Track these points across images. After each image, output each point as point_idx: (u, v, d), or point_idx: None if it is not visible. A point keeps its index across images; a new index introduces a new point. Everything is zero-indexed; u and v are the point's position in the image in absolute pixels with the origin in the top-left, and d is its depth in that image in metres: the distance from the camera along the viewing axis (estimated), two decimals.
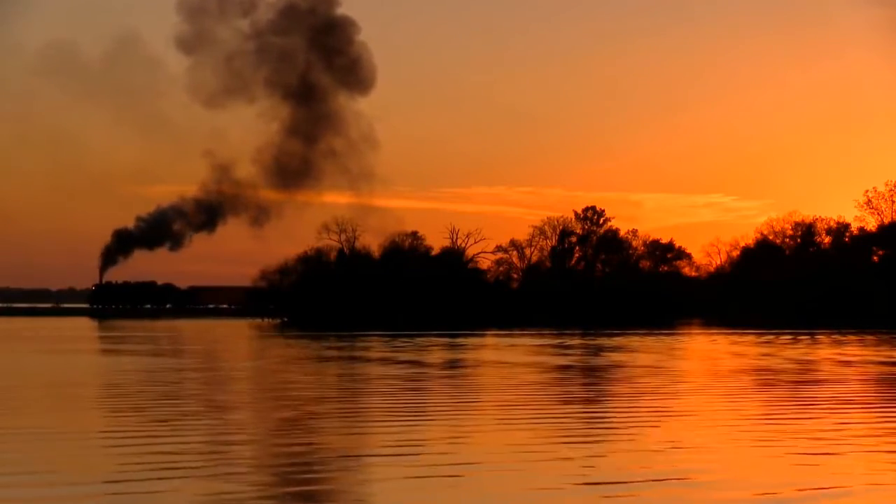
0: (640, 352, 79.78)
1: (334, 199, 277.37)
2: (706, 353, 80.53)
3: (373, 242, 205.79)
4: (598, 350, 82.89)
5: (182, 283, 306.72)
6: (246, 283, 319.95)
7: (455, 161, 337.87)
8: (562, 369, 60.59)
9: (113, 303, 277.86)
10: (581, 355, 75.73)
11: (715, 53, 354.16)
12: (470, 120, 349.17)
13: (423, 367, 62.67)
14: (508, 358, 71.88)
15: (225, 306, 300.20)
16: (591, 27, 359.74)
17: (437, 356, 75.98)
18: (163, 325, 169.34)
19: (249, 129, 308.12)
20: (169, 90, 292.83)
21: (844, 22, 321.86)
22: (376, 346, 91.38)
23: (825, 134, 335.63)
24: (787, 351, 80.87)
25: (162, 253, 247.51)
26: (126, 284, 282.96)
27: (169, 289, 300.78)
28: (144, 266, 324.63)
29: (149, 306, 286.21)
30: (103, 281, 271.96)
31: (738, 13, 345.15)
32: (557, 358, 72.38)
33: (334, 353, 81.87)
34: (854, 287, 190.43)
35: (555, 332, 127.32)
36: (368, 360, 71.41)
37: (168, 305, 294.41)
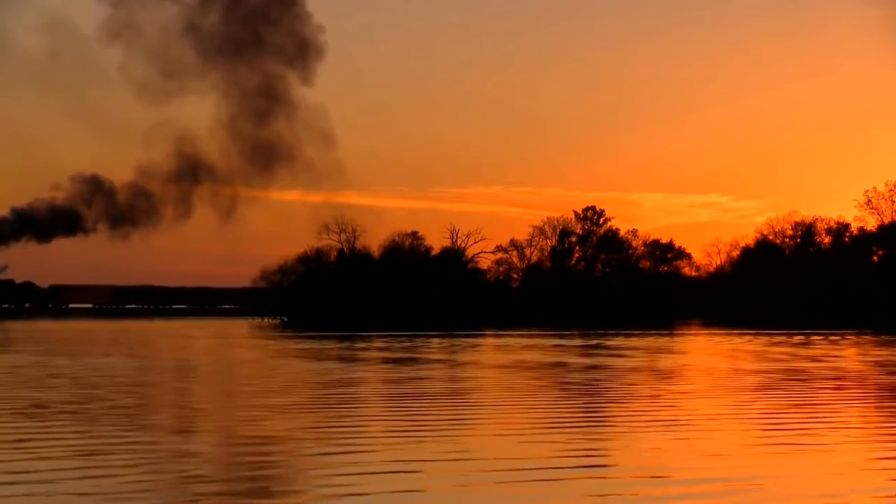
0: (689, 353, 78.68)
1: (282, 196, 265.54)
2: (766, 356, 77.74)
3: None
4: (660, 352, 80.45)
5: (42, 282, 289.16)
6: (115, 281, 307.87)
7: (452, 161, 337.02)
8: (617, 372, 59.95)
9: None
10: (643, 357, 73.64)
11: (713, 55, 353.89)
12: (467, 119, 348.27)
13: (422, 368, 62.16)
14: (528, 358, 71.38)
15: (89, 306, 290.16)
16: (590, 29, 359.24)
17: (435, 356, 75.50)
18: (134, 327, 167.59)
19: (195, 120, 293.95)
20: (113, 83, 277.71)
21: (844, 23, 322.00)
22: (374, 346, 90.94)
23: (825, 134, 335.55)
24: (836, 352, 79.66)
25: (23, 248, 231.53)
26: None
27: (28, 287, 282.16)
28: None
29: (7, 306, 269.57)
30: None
31: (737, 16, 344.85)
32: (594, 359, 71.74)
33: (335, 352, 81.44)
34: (854, 287, 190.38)
35: (557, 332, 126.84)
36: (364, 360, 70.96)
37: (27, 305, 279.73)
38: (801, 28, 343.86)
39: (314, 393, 46.01)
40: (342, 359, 72.88)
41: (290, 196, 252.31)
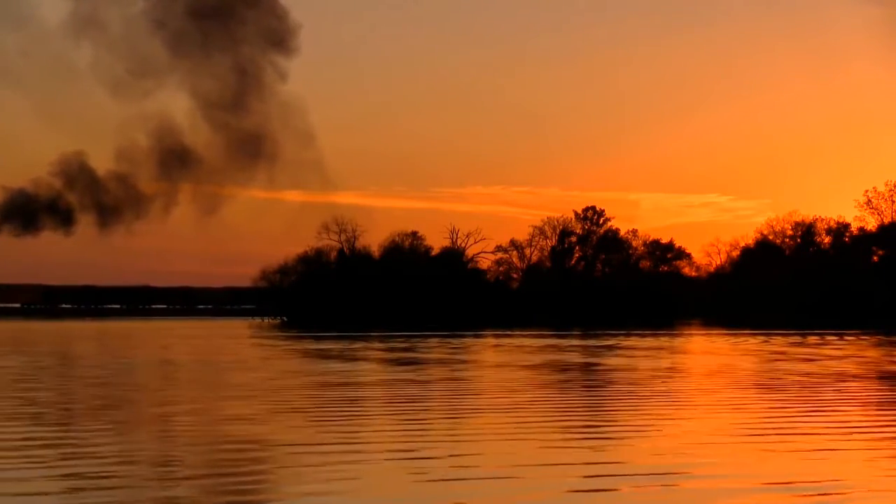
0: (715, 354, 78.19)
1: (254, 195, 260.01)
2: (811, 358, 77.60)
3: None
4: (683, 353, 79.92)
5: None
6: (49, 281, 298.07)
7: (452, 161, 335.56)
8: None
9: None
10: (672, 358, 73.07)
11: (713, 55, 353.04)
12: (467, 119, 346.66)
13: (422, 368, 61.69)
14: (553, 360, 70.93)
15: (17, 305, 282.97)
16: (591, 29, 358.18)
17: (461, 357, 75.07)
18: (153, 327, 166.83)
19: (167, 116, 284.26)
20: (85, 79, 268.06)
21: (844, 23, 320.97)
22: (393, 347, 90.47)
23: (825, 134, 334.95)
24: (861, 352, 79.13)
25: None
26: None
27: None
28: None
29: None
30: None
31: (737, 16, 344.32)
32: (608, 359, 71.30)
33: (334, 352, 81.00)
34: (854, 287, 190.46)
35: (561, 332, 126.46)
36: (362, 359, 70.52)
37: None
38: (801, 28, 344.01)
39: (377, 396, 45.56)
40: (364, 360, 72.44)
41: (264, 195, 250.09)
